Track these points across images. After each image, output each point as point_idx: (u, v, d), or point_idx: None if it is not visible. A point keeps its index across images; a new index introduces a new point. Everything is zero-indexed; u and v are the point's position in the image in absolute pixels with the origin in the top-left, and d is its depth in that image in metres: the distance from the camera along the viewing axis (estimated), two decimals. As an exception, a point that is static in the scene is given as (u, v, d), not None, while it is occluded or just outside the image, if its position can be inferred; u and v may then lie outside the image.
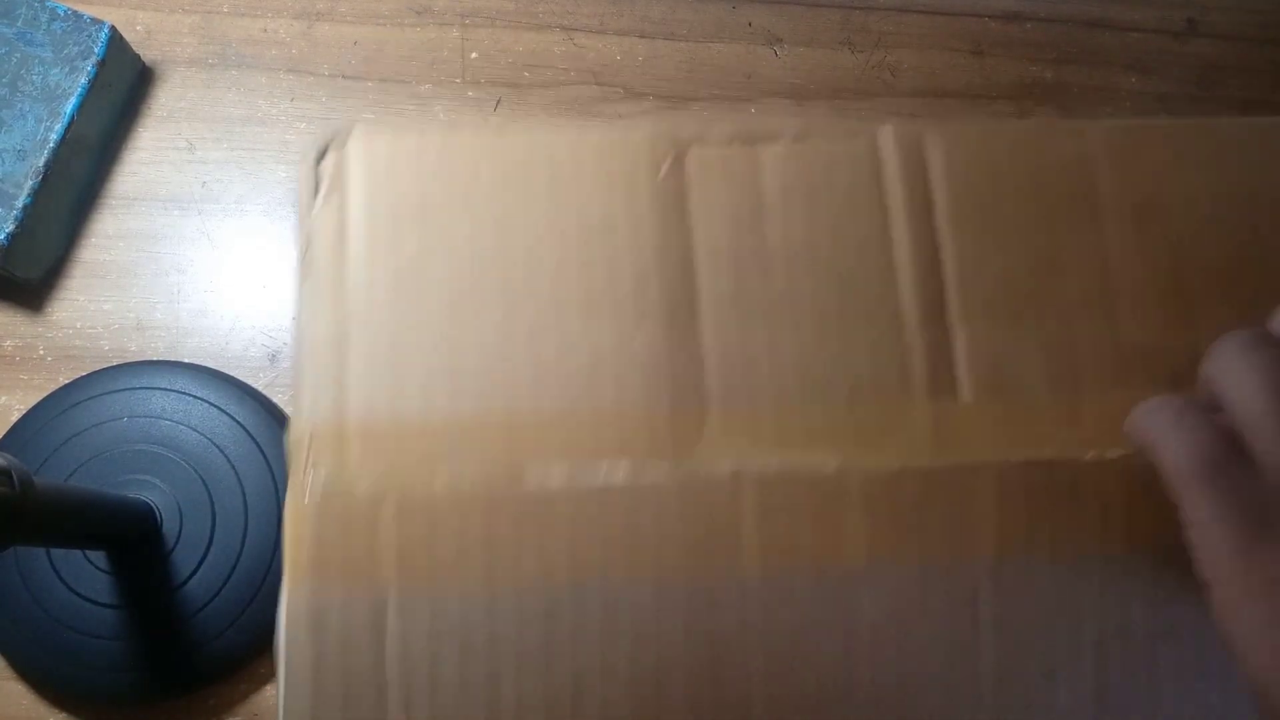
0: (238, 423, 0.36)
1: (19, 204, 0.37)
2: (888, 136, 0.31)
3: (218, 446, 0.36)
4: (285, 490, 0.36)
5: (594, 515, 0.28)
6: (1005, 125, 0.32)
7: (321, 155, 0.30)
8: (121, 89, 0.42)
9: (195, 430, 0.36)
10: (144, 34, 0.43)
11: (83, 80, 0.39)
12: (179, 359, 0.39)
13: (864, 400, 0.29)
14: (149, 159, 0.42)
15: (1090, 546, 0.29)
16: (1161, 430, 0.25)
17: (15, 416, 0.37)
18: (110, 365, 0.38)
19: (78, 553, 0.35)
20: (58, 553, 0.35)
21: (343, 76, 0.43)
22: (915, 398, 0.29)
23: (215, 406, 0.36)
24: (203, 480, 0.35)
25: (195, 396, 0.37)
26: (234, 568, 0.35)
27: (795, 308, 0.30)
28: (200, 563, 0.35)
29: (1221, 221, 0.32)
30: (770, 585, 0.28)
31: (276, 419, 0.37)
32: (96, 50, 0.39)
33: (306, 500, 0.27)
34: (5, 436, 0.36)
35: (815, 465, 0.29)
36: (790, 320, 0.30)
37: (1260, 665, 0.22)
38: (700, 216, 0.30)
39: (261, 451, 0.36)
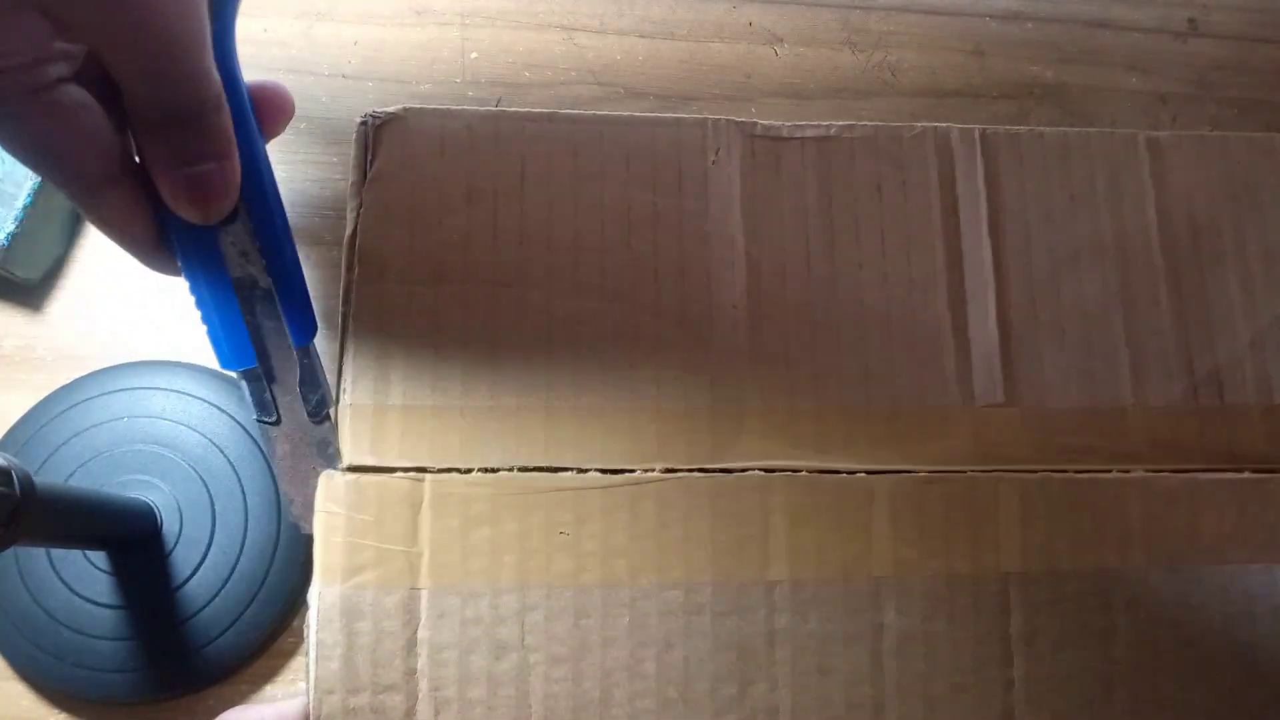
0: (238, 423, 0.36)
1: (19, 204, 0.37)
2: (951, 137, 0.31)
3: (217, 446, 0.36)
4: (283, 491, 0.36)
5: (627, 515, 0.28)
6: (1055, 131, 0.32)
7: (378, 128, 0.30)
8: (121, 88, 0.41)
9: (195, 430, 0.36)
10: (144, 33, 0.43)
11: (82, 80, 0.39)
12: (179, 359, 0.39)
13: (907, 403, 0.29)
14: (149, 159, 0.42)
15: (1111, 559, 0.29)
16: None
17: (15, 417, 0.37)
18: (110, 365, 0.38)
19: (78, 553, 0.35)
20: (57, 553, 0.35)
21: (343, 76, 0.43)
22: (957, 401, 0.29)
23: (215, 406, 0.36)
24: (203, 480, 0.35)
25: (195, 396, 0.37)
26: (234, 568, 0.35)
27: (839, 308, 0.30)
28: (200, 563, 0.35)
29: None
30: (799, 591, 0.28)
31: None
32: (96, 50, 0.39)
33: (342, 484, 0.27)
34: (5, 436, 0.36)
35: (847, 470, 0.28)
36: (834, 320, 0.30)
37: None
38: (751, 208, 0.30)
39: (261, 451, 0.36)
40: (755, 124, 0.31)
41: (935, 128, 0.32)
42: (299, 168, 0.42)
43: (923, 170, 0.31)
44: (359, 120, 0.30)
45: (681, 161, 0.30)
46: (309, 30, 0.44)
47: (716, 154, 0.30)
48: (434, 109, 0.30)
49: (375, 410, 0.27)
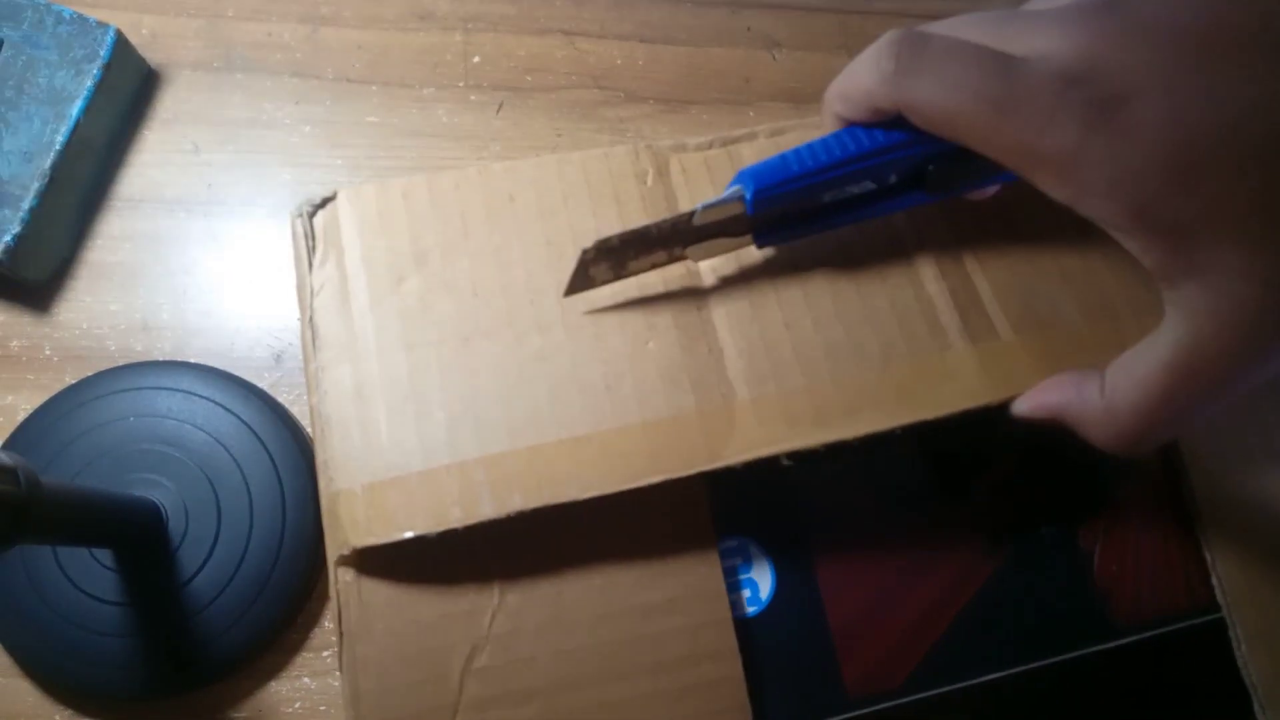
0: (243, 422, 0.37)
1: (25, 206, 0.37)
2: None
3: (223, 446, 0.36)
4: (288, 489, 0.36)
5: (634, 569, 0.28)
6: None
7: (312, 216, 0.30)
8: (127, 92, 0.42)
9: (201, 430, 0.36)
10: (149, 37, 0.43)
11: (88, 83, 0.39)
12: (185, 359, 0.39)
13: (899, 359, 0.28)
14: (154, 161, 0.42)
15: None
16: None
17: (22, 416, 0.37)
18: (116, 365, 0.38)
19: (84, 551, 0.35)
20: (64, 551, 0.35)
21: (347, 80, 0.44)
22: (953, 345, 0.29)
23: (221, 406, 0.37)
24: (208, 479, 0.36)
25: (201, 396, 0.37)
26: (239, 565, 0.35)
27: (805, 284, 0.30)
28: (205, 560, 0.35)
29: None
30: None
31: (281, 418, 0.37)
32: (102, 53, 0.40)
33: (349, 559, 0.27)
34: (12, 436, 0.37)
35: (863, 431, 0.27)
36: (802, 297, 0.29)
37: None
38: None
39: (266, 450, 0.36)
40: (684, 143, 0.32)
41: None
42: (304, 170, 0.42)
43: None
44: (294, 214, 0.30)
45: (617, 188, 0.31)
46: (313, 34, 0.44)
47: (649, 176, 0.31)
48: (366, 185, 0.31)
49: (365, 489, 0.27)
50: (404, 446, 0.27)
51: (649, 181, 0.31)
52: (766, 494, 0.30)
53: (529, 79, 0.44)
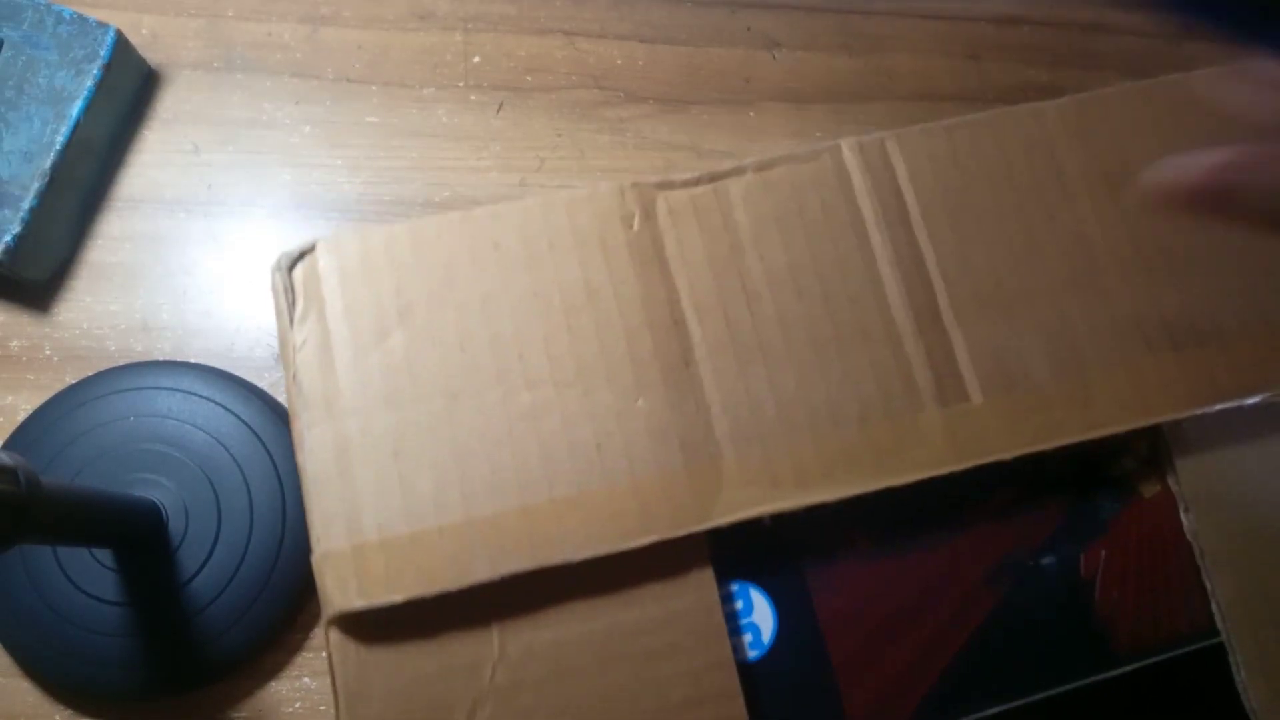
0: (243, 422, 0.37)
1: (25, 206, 0.37)
2: (850, 151, 0.31)
3: (223, 446, 0.36)
4: (288, 489, 0.36)
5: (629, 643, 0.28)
6: (963, 120, 0.32)
7: (290, 268, 0.29)
8: (127, 92, 0.42)
9: (201, 430, 0.36)
10: (149, 37, 0.43)
11: (88, 83, 0.39)
12: (185, 359, 0.39)
13: (875, 421, 0.29)
14: (154, 161, 0.42)
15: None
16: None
17: (22, 416, 0.37)
18: (116, 365, 0.38)
19: (84, 551, 0.35)
20: (64, 551, 0.35)
21: (347, 80, 0.44)
22: (925, 408, 0.29)
23: (221, 406, 0.37)
24: (208, 479, 0.36)
25: (201, 396, 0.37)
26: (239, 565, 0.35)
27: (789, 339, 0.30)
28: (206, 561, 0.35)
29: None
30: None
31: (282, 418, 0.37)
32: (102, 53, 0.40)
33: (339, 622, 0.27)
34: (12, 436, 0.37)
35: (839, 495, 0.28)
36: (786, 353, 0.29)
37: None
38: (680, 264, 0.30)
39: (267, 450, 0.36)
40: (670, 180, 0.31)
41: (836, 145, 0.31)
42: (303, 170, 0.42)
43: (836, 188, 0.31)
44: (273, 266, 0.29)
45: (604, 233, 0.30)
46: (313, 34, 0.44)
47: (635, 220, 0.30)
48: (345, 232, 0.30)
49: (353, 552, 0.27)
50: (391, 508, 0.27)
51: (635, 225, 0.30)
52: (766, 537, 0.30)
53: (529, 79, 0.44)
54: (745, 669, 0.29)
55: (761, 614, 0.30)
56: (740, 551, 0.30)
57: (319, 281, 0.29)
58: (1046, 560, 0.31)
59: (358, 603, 0.26)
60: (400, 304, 0.29)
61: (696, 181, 0.31)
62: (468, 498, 0.27)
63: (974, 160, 0.32)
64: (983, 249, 0.31)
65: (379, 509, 0.27)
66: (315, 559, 0.27)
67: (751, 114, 0.45)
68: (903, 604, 0.30)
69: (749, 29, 0.46)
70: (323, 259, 0.29)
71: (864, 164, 0.31)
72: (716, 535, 0.28)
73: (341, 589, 0.26)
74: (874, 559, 0.31)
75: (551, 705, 0.27)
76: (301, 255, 0.29)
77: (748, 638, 0.30)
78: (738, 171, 0.31)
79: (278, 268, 0.29)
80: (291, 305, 0.29)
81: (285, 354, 0.29)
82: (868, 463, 0.29)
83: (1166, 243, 0.31)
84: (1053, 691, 0.30)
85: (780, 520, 0.28)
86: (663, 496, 0.28)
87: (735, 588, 0.30)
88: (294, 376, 0.28)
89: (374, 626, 0.27)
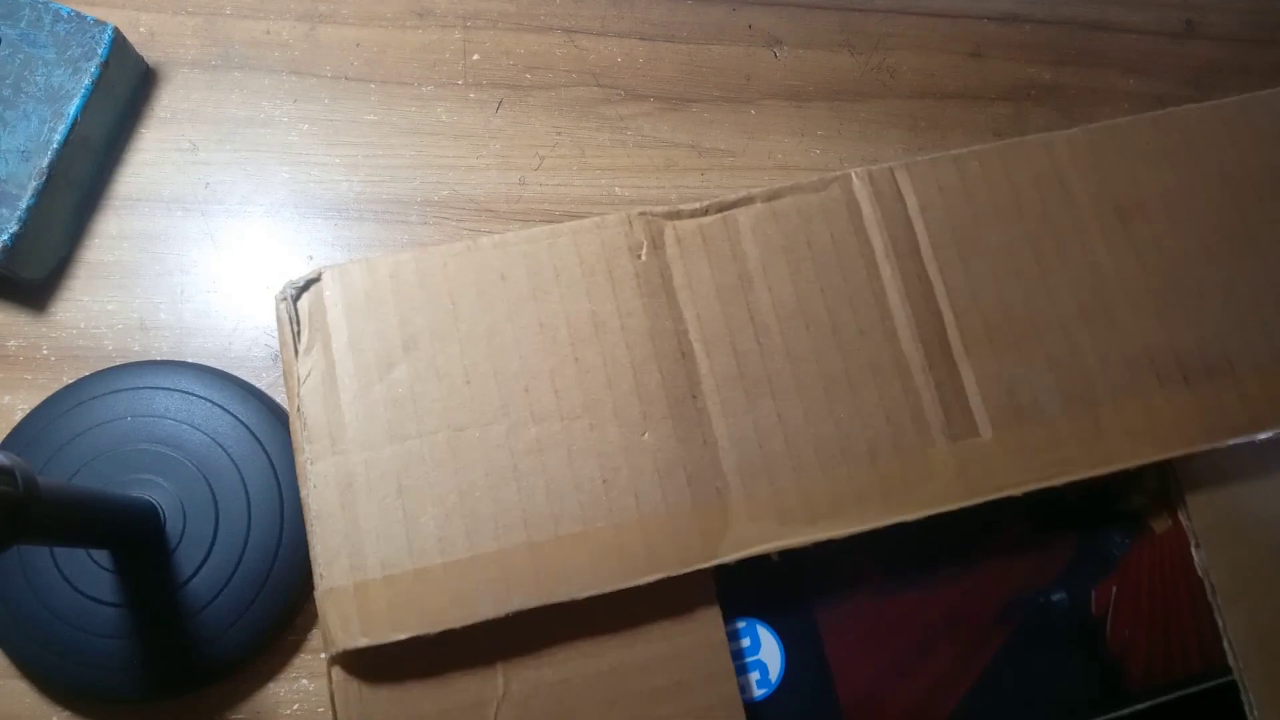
0: (241, 422, 0.36)
1: (23, 204, 0.37)
2: (861, 180, 0.31)
3: (221, 446, 0.36)
4: (286, 490, 0.36)
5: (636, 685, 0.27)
6: (973, 150, 0.32)
7: (296, 299, 0.29)
8: (125, 90, 0.42)
9: (199, 430, 0.36)
10: (147, 35, 0.43)
11: (86, 81, 0.39)
12: (182, 359, 0.39)
13: (884, 455, 0.29)
14: (152, 160, 0.42)
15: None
16: None
17: (19, 416, 0.37)
18: (114, 365, 0.38)
19: (81, 551, 0.35)
20: (61, 551, 0.35)
21: (345, 78, 0.43)
22: (935, 443, 0.29)
23: (219, 406, 0.37)
24: (206, 479, 0.36)
25: (199, 396, 0.37)
26: (237, 566, 0.35)
27: (798, 373, 0.29)
28: (203, 561, 0.35)
29: (1201, 211, 0.32)
30: None
31: (280, 418, 0.37)
32: (100, 51, 0.39)
33: (341, 659, 0.27)
34: (9, 436, 0.37)
35: (848, 531, 0.28)
36: (795, 387, 0.29)
37: None
38: (688, 295, 0.30)
39: (265, 451, 0.36)
40: (678, 209, 0.31)
41: (847, 175, 0.31)
42: (302, 169, 0.42)
43: (845, 218, 0.31)
44: (278, 296, 0.29)
45: (611, 264, 0.30)
46: (311, 32, 0.44)
47: (642, 250, 0.30)
48: (351, 263, 0.29)
49: (356, 589, 0.26)
50: (395, 544, 0.27)
51: (643, 256, 0.30)
52: (773, 574, 0.30)
53: (529, 77, 0.44)
54: (752, 708, 0.29)
55: (769, 651, 0.30)
56: (748, 588, 0.30)
57: (324, 312, 0.29)
58: (1057, 597, 0.31)
59: (361, 640, 0.26)
60: (405, 336, 0.29)
61: (705, 211, 0.31)
62: (472, 534, 0.27)
63: (984, 191, 0.31)
64: (993, 281, 0.31)
65: (383, 545, 0.27)
66: (318, 595, 0.27)
67: (752, 112, 0.45)
68: (912, 641, 0.30)
69: (750, 27, 0.46)
70: (328, 289, 0.29)
71: (874, 194, 0.31)
72: (724, 571, 0.28)
73: (344, 627, 0.26)
74: (883, 596, 0.30)
75: None
76: (308, 285, 0.29)
77: (755, 675, 0.29)
78: (747, 201, 0.31)
79: (283, 297, 0.29)
80: (297, 336, 0.29)
81: (289, 385, 0.28)
82: (877, 498, 0.28)
83: (1178, 275, 0.31)
84: None
85: (788, 556, 0.28)
86: (670, 533, 0.27)
87: (742, 625, 0.30)
88: (298, 410, 0.28)
89: (377, 664, 0.27)
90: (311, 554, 0.27)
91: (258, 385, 0.39)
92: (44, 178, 0.38)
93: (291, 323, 0.29)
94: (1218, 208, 0.32)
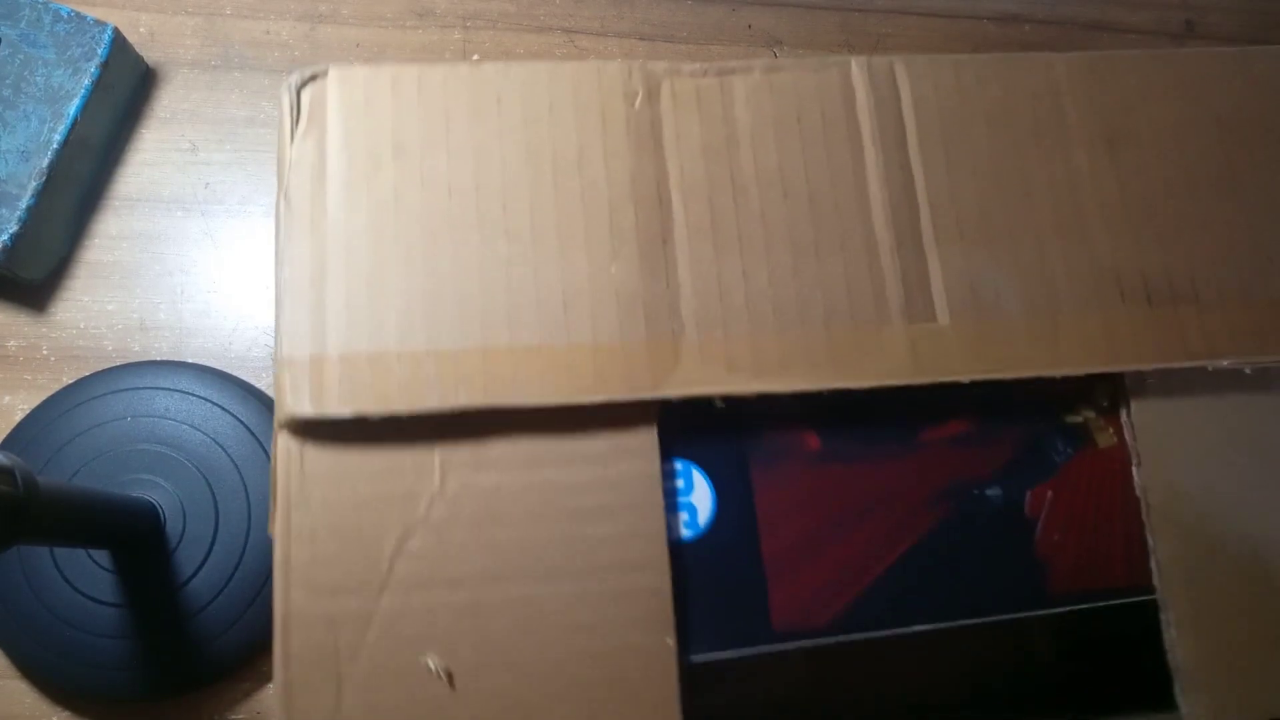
0: (241, 422, 0.36)
1: (22, 205, 0.37)
2: (860, 68, 0.32)
3: (221, 446, 0.36)
4: (288, 489, 0.36)
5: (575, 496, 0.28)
6: (974, 58, 0.33)
7: (302, 87, 0.30)
8: (124, 90, 0.42)
9: (199, 430, 0.36)
10: (147, 35, 0.43)
11: (86, 81, 0.39)
12: (182, 359, 0.39)
13: (840, 325, 0.29)
14: (152, 160, 0.42)
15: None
16: None
17: (19, 416, 0.37)
18: (114, 365, 0.38)
19: (81, 551, 0.35)
20: (61, 551, 0.35)
21: (345, 78, 0.43)
22: (892, 321, 0.30)
23: (218, 406, 0.37)
24: (206, 480, 0.36)
25: (198, 396, 0.37)
26: (237, 566, 0.35)
27: (769, 236, 0.30)
28: (203, 561, 0.35)
29: (1190, 148, 0.32)
30: None
31: (279, 418, 0.37)
32: (99, 52, 0.39)
33: (290, 426, 0.27)
34: (9, 436, 0.37)
35: (792, 388, 0.29)
36: (764, 249, 0.30)
37: None
38: (674, 147, 0.30)
39: (265, 451, 0.36)
40: (679, 67, 0.31)
41: (846, 60, 0.32)
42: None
43: (839, 101, 0.32)
44: (284, 84, 0.30)
45: (604, 106, 0.31)
46: (311, 32, 0.44)
47: (638, 99, 0.31)
48: (358, 66, 0.31)
49: (312, 361, 0.28)
50: (356, 328, 0.28)
51: (637, 104, 0.31)
52: (716, 422, 0.31)
53: (528, 77, 0.44)
54: (676, 547, 0.29)
55: (701, 496, 0.30)
56: (689, 431, 0.30)
57: (325, 106, 0.30)
58: (992, 492, 0.31)
59: (308, 409, 0.27)
60: (397, 142, 0.30)
61: (704, 73, 0.31)
62: (431, 330, 0.28)
63: (979, 96, 0.32)
64: (973, 181, 0.31)
65: (344, 327, 0.28)
66: (276, 363, 0.28)
67: (752, 112, 0.45)
68: (842, 511, 0.30)
69: (750, 26, 0.46)
70: (333, 85, 0.30)
71: (870, 82, 0.32)
72: (667, 411, 0.29)
73: (295, 394, 0.27)
74: (820, 462, 0.31)
75: (480, 546, 0.27)
76: (314, 77, 0.30)
77: (684, 516, 0.30)
78: (745, 70, 0.32)
79: (288, 85, 0.30)
80: (295, 123, 0.30)
81: (280, 170, 0.30)
82: (825, 363, 0.29)
83: (1157, 203, 0.32)
84: (978, 621, 0.30)
85: (732, 408, 0.29)
86: (620, 361, 0.28)
87: (679, 465, 0.30)
88: (285, 193, 0.29)
89: (322, 441, 0.28)
90: (276, 326, 0.28)
91: (258, 385, 0.39)
92: (44, 178, 0.38)
93: (292, 109, 0.30)
94: (1206, 147, 0.33)
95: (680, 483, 0.30)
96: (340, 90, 0.30)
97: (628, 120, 0.31)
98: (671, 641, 0.27)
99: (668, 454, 0.30)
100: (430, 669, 0.27)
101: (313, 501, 0.27)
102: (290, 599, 0.27)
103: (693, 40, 0.45)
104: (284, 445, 0.28)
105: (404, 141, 0.30)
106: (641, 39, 0.45)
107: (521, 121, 0.30)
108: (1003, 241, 0.31)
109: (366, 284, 0.28)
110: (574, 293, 0.29)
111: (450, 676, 0.27)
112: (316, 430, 0.28)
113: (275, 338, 0.28)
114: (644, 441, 0.29)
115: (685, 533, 0.30)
